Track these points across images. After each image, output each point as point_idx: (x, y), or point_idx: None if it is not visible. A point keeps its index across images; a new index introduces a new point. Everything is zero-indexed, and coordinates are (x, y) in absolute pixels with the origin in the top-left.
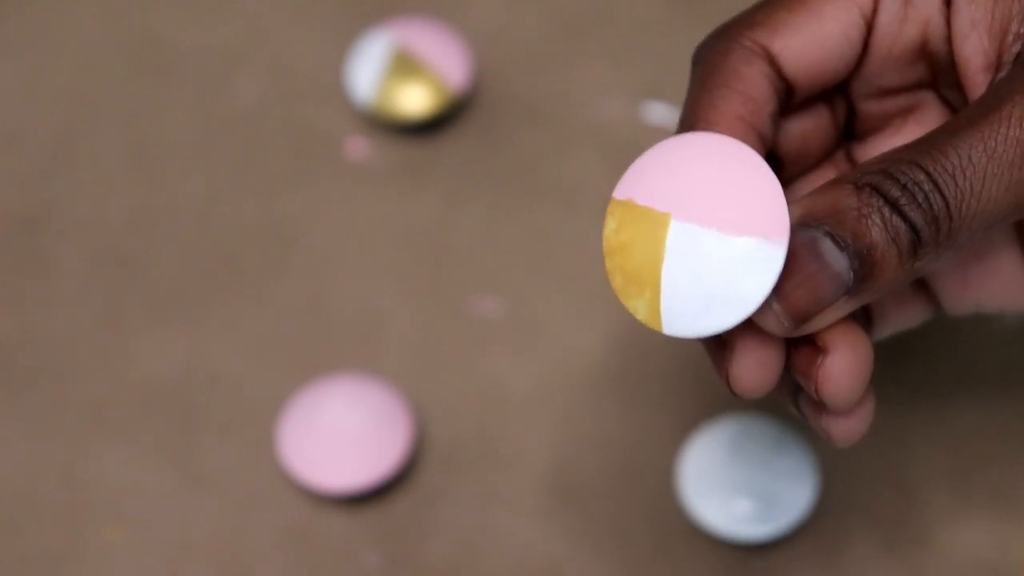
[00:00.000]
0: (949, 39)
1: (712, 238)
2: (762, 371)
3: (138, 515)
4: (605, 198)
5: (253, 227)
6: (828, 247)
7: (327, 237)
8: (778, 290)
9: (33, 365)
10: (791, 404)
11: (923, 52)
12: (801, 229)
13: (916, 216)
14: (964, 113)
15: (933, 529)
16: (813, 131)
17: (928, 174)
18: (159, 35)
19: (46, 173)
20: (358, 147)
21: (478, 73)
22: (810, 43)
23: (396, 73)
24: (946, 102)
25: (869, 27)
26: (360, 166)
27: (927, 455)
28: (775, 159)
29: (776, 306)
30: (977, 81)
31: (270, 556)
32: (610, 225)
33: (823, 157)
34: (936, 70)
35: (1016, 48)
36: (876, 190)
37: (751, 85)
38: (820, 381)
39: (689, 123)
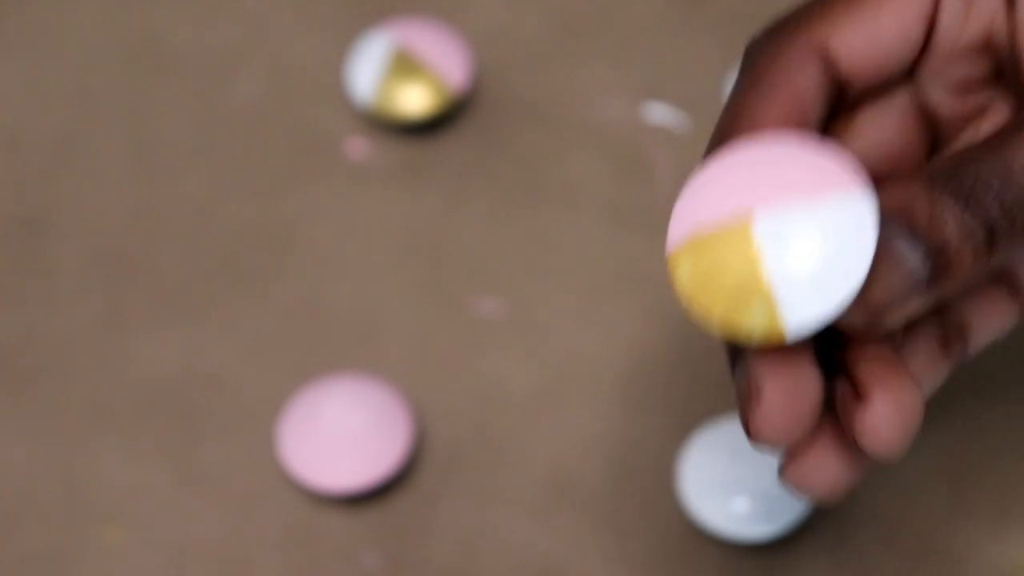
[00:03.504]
0: (1012, 38)
1: (800, 211)
2: (791, 413)
3: (138, 515)
4: (606, 198)
5: (253, 227)
6: (901, 244)
7: (327, 237)
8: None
9: (33, 365)
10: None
11: (987, 50)
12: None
13: (989, 210)
14: None
15: (933, 529)
16: (889, 142)
17: (999, 167)
18: (159, 35)
19: (46, 173)
20: (358, 147)
21: (478, 73)
22: (868, 40)
23: (396, 73)
24: (1019, 103)
25: (930, 25)
26: (360, 166)
27: (927, 455)
28: None
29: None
30: None
31: (270, 556)
32: (682, 273)
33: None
34: (1002, 70)
35: None
36: (947, 186)
37: (802, 86)
38: (860, 431)
39: (732, 123)
